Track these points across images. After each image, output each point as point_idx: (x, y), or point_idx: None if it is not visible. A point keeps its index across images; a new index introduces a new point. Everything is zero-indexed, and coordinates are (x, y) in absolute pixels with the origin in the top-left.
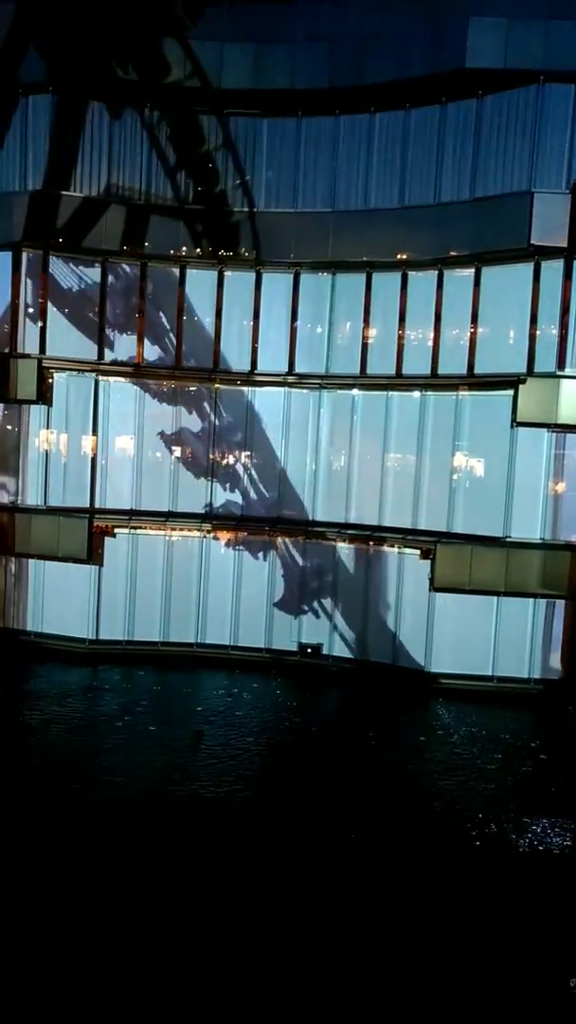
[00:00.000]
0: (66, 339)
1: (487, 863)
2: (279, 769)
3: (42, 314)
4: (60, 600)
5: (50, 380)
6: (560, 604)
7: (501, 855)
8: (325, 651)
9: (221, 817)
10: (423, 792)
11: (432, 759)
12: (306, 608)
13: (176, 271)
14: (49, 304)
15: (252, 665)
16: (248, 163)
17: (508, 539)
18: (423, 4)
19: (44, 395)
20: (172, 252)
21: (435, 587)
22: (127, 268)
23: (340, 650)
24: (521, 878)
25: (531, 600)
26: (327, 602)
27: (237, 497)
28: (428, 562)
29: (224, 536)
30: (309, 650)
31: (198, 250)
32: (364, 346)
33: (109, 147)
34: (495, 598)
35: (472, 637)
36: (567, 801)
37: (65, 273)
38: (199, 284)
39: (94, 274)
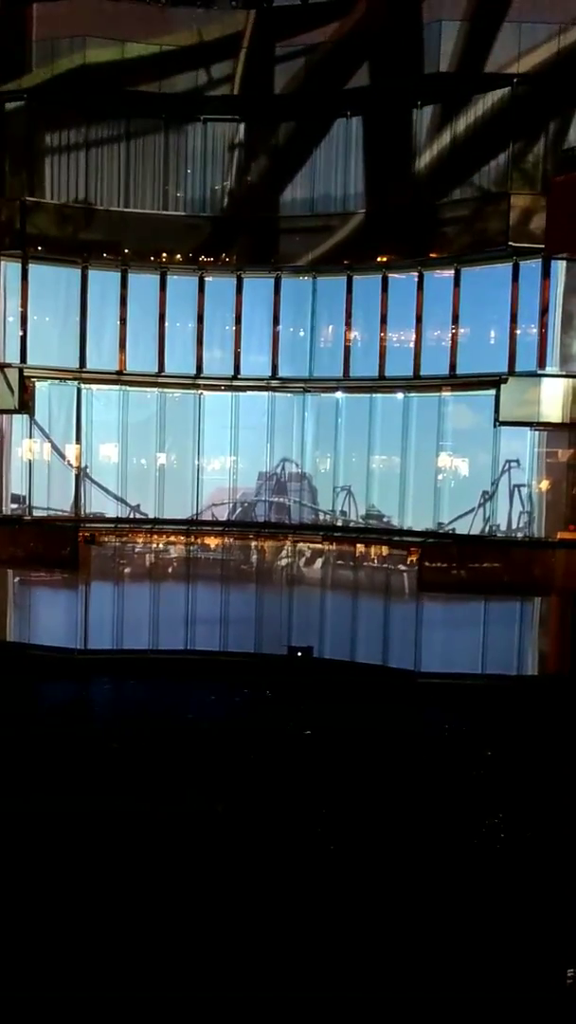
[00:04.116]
0: (47, 347)
1: None
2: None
3: (23, 322)
4: (47, 610)
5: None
6: (546, 601)
7: None
8: (316, 654)
9: None
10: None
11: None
12: (295, 611)
13: (157, 277)
14: (30, 312)
15: (243, 669)
16: (227, 169)
17: (493, 537)
18: None
19: (26, 404)
20: (152, 258)
21: (423, 587)
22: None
23: (331, 652)
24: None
25: (518, 598)
26: (316, 605)
27: (224, 502)
28: (415, 562)
29: (211, 542)
30: (299, 653)
31: (178, 256)
32: (347, 349)
33: (86, 154)
34: (482, 596)
35: (460, 636)
36: None
37: (44, 280)
38: (181, 289)
39: (75, 281)
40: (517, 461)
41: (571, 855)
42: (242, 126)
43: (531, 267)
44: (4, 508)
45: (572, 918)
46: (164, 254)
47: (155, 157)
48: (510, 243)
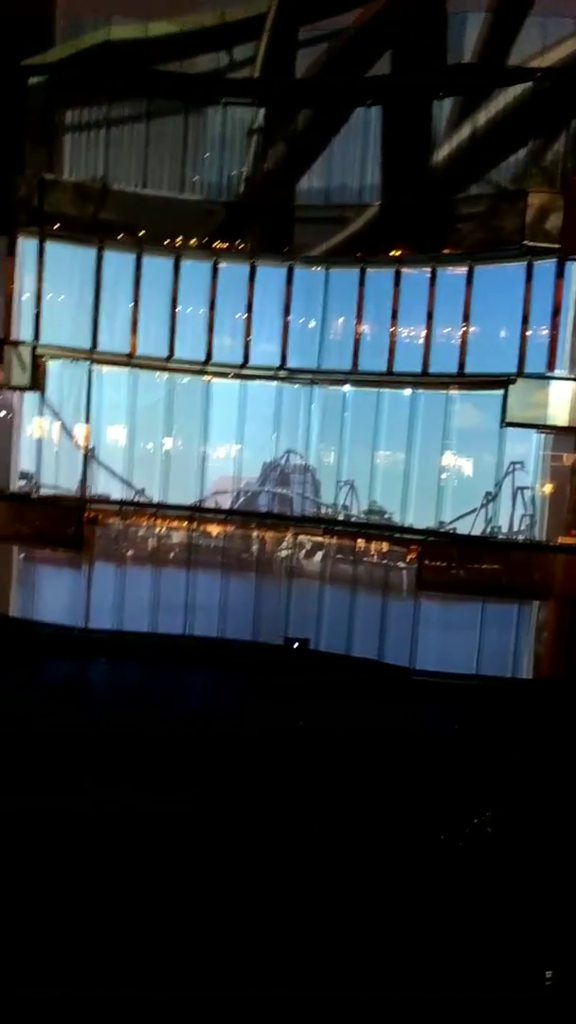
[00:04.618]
0: (60, 326)
1: None
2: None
3: (37, 300)
4: (51, 588)
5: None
6: (544, 605)
7: None
8: (312, 646)
9: None
10: None
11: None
12: (293, 603)
13: (171, 260)
14: (44, 290)
15: (239, 657)
16: (245, 154)
17: (495, 539)
18: None
19: (37, 382)
20: (167, 242)
21: (422, 585)
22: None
23: (327, 645)
24: None
25: (516, 601)
26: (314, 597)
27: (227, 490)
28: (415, 560)
29: (213, 529)
30: (296, 644)
31: (193, 241)
32: (356, 342)
33: (106, 133)
34: (481, 597)
35: (456, 636)
36: None
37: (60, 259)
38: (194, 275)
39: (90, 260)
40: (521, 463)
41: (550, 854)
42: (261, 111)
43: (545, 267)
44: (12, 484)
45: (555, 916)
46: (179, 238)
47: (174, 139)
48: (525, 242)
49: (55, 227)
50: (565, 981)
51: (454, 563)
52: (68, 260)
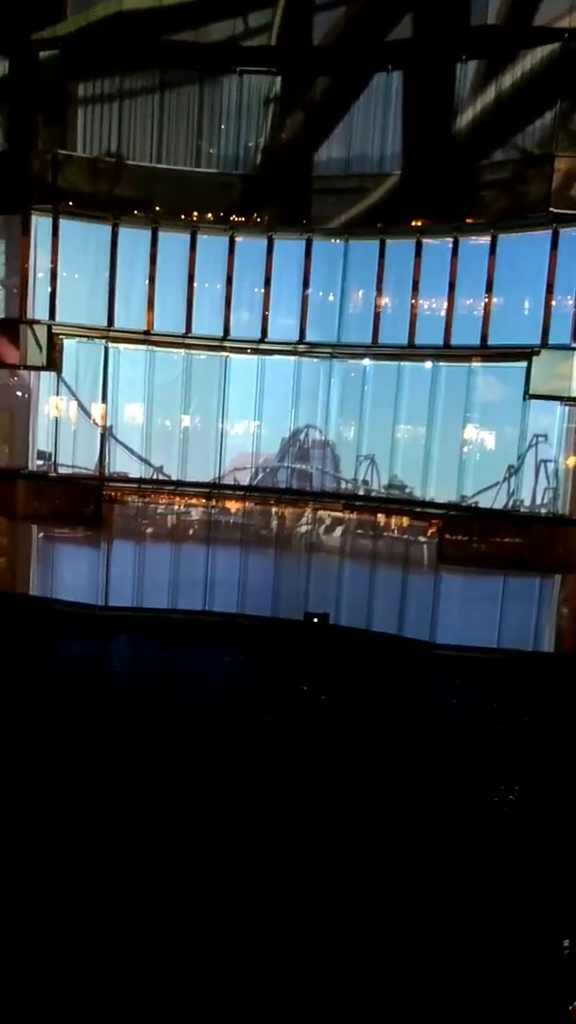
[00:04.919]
0: (76, 304)
1: None
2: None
3: (52, 279)
4: (69, 566)
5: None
6: (566, 579)
7: None
8: (332, 621)
9: None
10: None
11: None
12: (313, 578)
13: (188, 235)
14: (60, 268)
15: (259, 633)
16: (262, 125)
17: (517, 512)
18: None
19: (54, 361)
20: (183, 216)
21: (443, 559)
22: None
23: (347, 620)
24: None
25: (538, 574)
26: (334, 572)
27: (246, 467)
28: (436, 534)
29: (232, 506)
30: (315, 620)
31: (209, 215)
32: (376, 315)
33: (119, 106)
34: (502, 571)
35: (477, 609)
36: None
37: (74, 236)
38: (210, 249)
39: (105, 237)
40: (545, 436)
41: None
42: (278, 79)
43: (571, 235)
44: (30, 464)
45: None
46: (195, 212)
47: (189, 110)
48: (551, 208)
49: (69, 204)
50: None
51: (475, 537)
52: (83, 237)
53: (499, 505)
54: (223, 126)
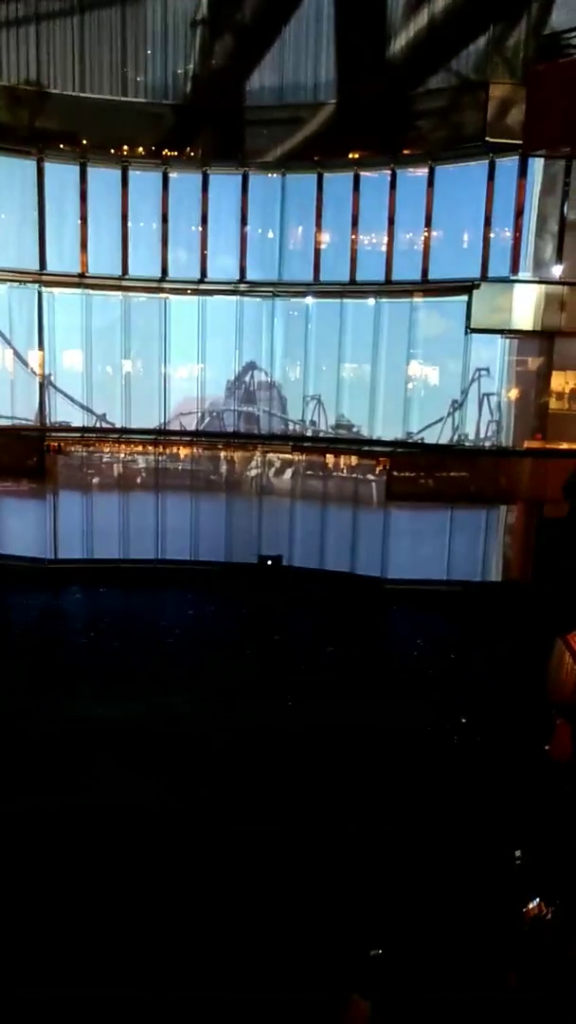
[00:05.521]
0: (4, 248)
1: None
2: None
3: None
4: (15, 520)
5: None
6: (512, 509)
7: None
8: (285, 562)
9: None
10: None
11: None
12: (265, 521)
13: (119, 171)
14: None
15: (213, 578)
16: (190, 50)
17: (462, 446)
18: None
19: None
20: (113, 151)
21: (391, 496)
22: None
23: (301, 560)
24: None
25: (484, 507)
26: (285, 514)
27: (192, 411)
28: (384, 472)
29: (180, 452)
30: (269, 562)
31: (140, 149)
32: (317, 252)
33: (36, 30)
34: (449, 505)
35: (426, 544)
36: None
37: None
38: (143, 186)
39: (31, 173)
40: (487, 369)
41: (519, 744)
42: (204, 0)
43: (507, 165)
44: None
45: (519, 806)
46: (125, 146)
47: (112, 34)
48: (487, 138)
49: None
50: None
51: (422, 473)
52: (7, 175)
53: (444, 440)
54: (149, 51)
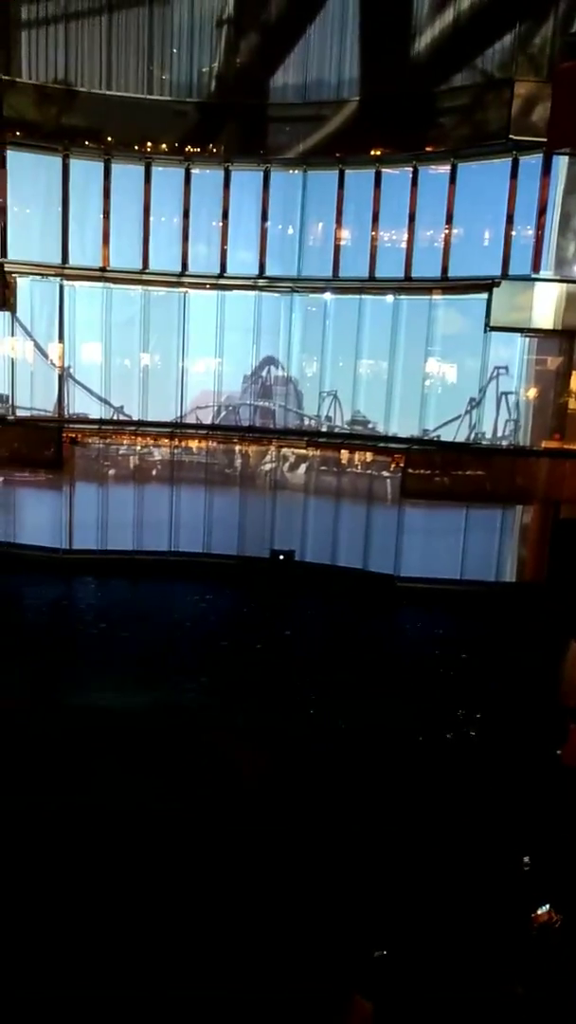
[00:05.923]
0: (28, 241)
1: None
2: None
3: (2, 214)
4: (31, 510)
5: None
6: (527, 509)
7: None
8: (298, 558)
9: None
10: None
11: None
12: (278, 516)
13: (142, 167)
14: (8, 203)
15: (225, 571)
16: (215, 49)
17: (478, 445)
18: None
19: (7, 301)
20: (137, 147)
21: (406, 494)
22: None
23: (313, 556)
24: None
25: (500, 506)
26: (299, 509)
27: (208, 405)
28: (399, 469)
29: (195, 445)
30: (281, 557)
31: (164, 145)
32: (337, 248)
33: (65, 29)
34: (465, 504)
35: (441, 542)
36: None
37: (24, 168)
38: (166, 181)
39: (56, 169)
40: (506, 368)
41: (530, 748)
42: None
43: (531, 163)
44: None
45: (529, 811)
46: (149, 143)
47: (139, 34)
48: (511, 136)
49: (16, 134)
50: (542, 865)
51: (438, 470)
52: (32, 170)
53: (461, 438)
54: (175, 50)
